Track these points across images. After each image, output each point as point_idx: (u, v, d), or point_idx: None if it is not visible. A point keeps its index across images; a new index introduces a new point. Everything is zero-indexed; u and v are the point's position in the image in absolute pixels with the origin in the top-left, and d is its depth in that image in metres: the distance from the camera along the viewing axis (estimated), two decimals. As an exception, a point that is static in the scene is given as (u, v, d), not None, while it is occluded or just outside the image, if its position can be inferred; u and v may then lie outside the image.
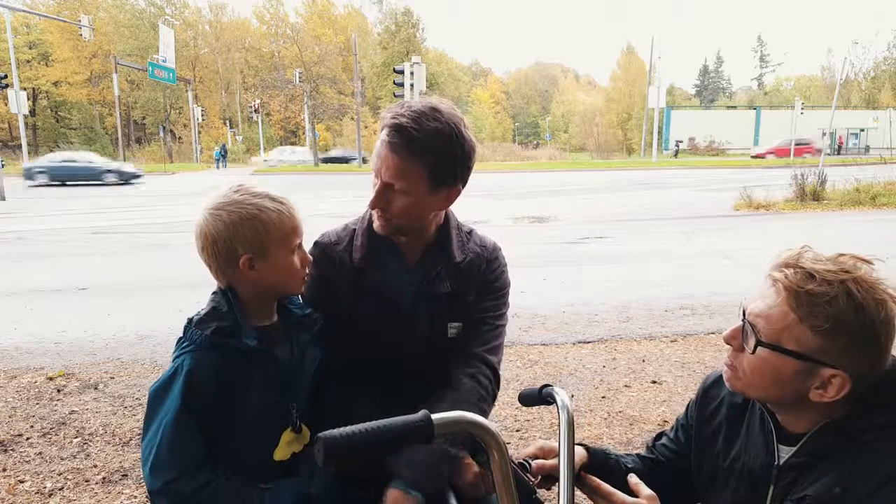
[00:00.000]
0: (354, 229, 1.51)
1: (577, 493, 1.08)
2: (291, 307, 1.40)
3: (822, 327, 0.94)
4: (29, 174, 25.23)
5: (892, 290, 0.96)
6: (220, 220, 1.25)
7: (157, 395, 1.23)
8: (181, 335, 1.27)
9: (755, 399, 1.12)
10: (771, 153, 39.07)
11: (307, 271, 1.37)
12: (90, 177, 25.33)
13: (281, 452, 1.33)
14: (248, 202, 1.25)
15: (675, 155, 44.73)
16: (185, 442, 1.19)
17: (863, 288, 0.94)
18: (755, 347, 1.01)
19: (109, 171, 25.99)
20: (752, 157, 40.41)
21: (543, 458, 1.21)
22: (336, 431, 0.79)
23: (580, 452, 1.24)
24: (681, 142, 47.50)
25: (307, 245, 1.41)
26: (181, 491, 1.18)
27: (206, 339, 1.22)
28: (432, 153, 1.29)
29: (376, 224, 1.42)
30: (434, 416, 0.84)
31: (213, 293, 1.32)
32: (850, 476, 0.95)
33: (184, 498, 1.19)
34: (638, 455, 1.36)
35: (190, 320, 1.27)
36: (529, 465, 1.14)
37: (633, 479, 1.14)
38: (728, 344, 1.08)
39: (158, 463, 1.18)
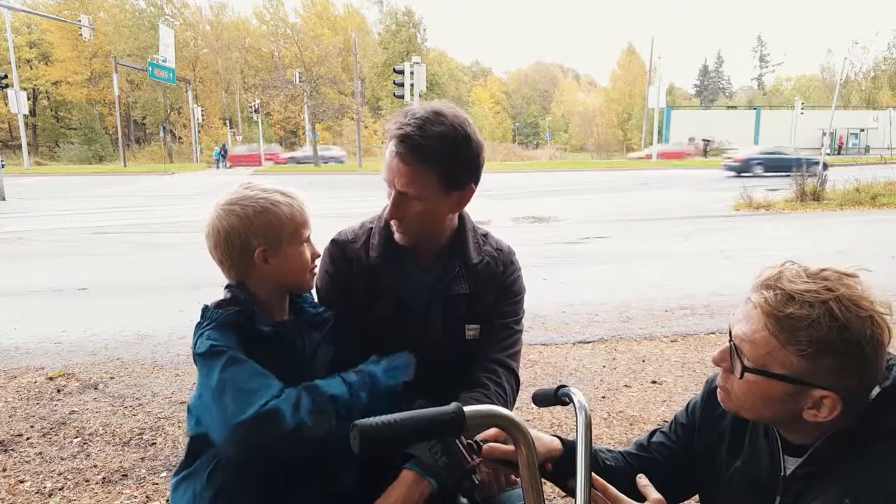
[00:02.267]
0: (371, 227, 1.53)
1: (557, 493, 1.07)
2: (304, 305, 1.42)
3: (806, 351, 0.92)
4: (746, 166, 25.01)
5: (879, 303, 0.93)
6: (233, 215, 1.27)
7: (204, 360, 1.20)
8: (199, 320, 1.27)
9: (750, 419, 1.10)
10: None
11: (316, 265, 1.39)
12: (797, 166, 25.58)
13: None
14: (260, 196, 1.29)
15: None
16: (258, 370, 1.18)
17: (845, 307, 0.90)
18: (742, 373, 0.99)
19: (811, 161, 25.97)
20: None
21: (496, 442, 1.14)
22: (371, 420, 0.81)
23: (553, 443, 1.20)
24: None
25: (322, 243, 1.43)
26: (281, 409, 1.14)
27: (227, 315, 1.24)
28: (441, 157, 1.31)
29: (396, 236, 1.44)
30: (466, 409, 0.87)
31: (228, 285, 1.33)
32: (859, 486, 0.92)
33: (287, 418, 1.14)
34: (626, 452, 1.32)
35: (206, 306, 1.28)
36: (479, 446, 1.12)
37: (642, 480, 1.11)
38: (717, 366, 1.06)
39: (240, 397, 1.13)
